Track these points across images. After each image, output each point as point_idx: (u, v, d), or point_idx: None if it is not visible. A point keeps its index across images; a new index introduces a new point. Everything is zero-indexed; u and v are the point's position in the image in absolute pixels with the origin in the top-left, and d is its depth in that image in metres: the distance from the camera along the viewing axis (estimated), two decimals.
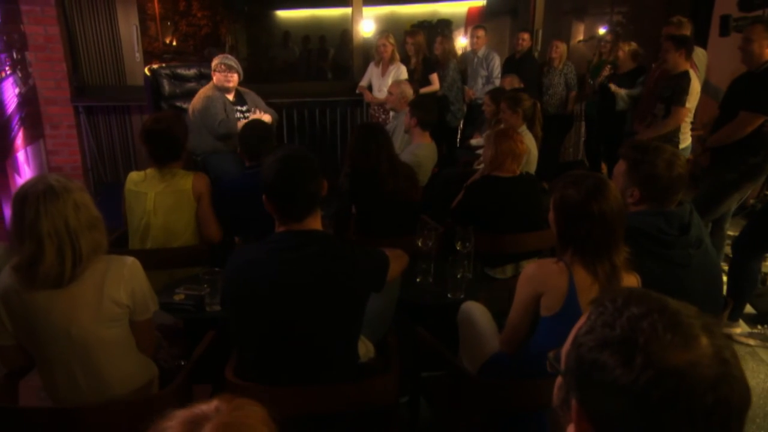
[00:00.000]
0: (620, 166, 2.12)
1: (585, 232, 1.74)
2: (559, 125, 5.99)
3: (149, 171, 2.76)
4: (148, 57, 9.61)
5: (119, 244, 2.84)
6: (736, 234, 4.83)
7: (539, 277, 1.82)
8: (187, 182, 2.73)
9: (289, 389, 1.77)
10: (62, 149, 5.23)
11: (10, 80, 4.52)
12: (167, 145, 2.74)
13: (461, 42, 7.90)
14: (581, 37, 9.12)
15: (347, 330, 1.85)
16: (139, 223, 2.73)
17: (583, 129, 6.54)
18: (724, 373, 0.73)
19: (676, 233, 2.00)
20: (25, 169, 4.64)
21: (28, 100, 4.87)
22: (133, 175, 2.78)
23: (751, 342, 3.28)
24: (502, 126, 3.95)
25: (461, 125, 5.98)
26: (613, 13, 9.75)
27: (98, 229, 1.77)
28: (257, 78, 9.62)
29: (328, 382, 1.80)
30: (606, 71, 5.47)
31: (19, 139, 4.57)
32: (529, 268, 1.86)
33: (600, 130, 5.64)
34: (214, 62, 4.41)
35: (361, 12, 5.90)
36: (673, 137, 4.04)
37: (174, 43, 11.83)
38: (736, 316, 3.37)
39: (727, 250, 4.29)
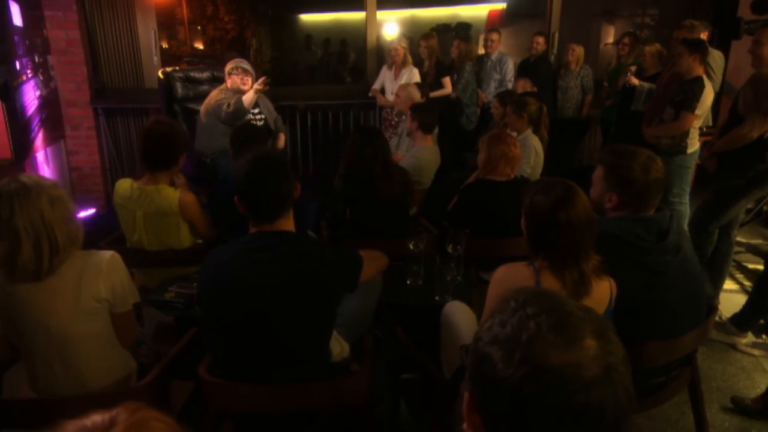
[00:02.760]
0: (598, 171, 2.10)
1: (553, 238, 1.75)
2: (575, 129, 5.93)
3: (135, 187, 2.68)
4: (176, 60, 9.82)
5: (118, 243, 2.92)
6: (747, 241, 4.75)
7: (507, 281, 1.83)
8: (172, 201, 2.65)
9: (259, 387, 1.80)
10: (82, 150, 5.39)
11: (32, 83, 4.68)
12: (163, 149, 2.68)
13: None
14: (611, 40, 9.02)
15: (318, 330, 1.87)
16: (131, 236, 2.76)
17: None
18: (603, 377, 0.75)
19: (653, 239, 1.98)
20: (45, 169, 4.79)
21: (49, 102, 5.03)
22: (119, 188, 2.72)
23: (755, 352, 3.20)
24: (507, 129, 3.93)
25: (475, 128, 5.96)
26: (644, 15, 9.63)
27: (74, 222, 1.82)
28: (280, 80, 9.76)
29: (298, 381, 1.83)
30: (630, 71, 5.31)
31: (39, 140, 4.73)
32: (499, 271, 1.87)
33: (619, 133, 5.53)
34: (229, 66, 4.45)
35: (375, 16, 5.95)
36: (681, 142, 3.97)
37: (202, 47, 12.07)
38: (747, 326, 3.29)
39: (736, 257, 4.21)
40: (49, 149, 4.95)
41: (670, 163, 4.09)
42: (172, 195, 2.66)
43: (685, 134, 3.94)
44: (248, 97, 4.28)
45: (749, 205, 4.47)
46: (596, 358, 0.76)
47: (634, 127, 4.74)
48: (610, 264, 1.86)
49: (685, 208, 4.16)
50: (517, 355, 0.76)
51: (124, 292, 1.91)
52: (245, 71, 4.42)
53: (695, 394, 2.31)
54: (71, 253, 1.80)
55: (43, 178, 1.81)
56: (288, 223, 1.89)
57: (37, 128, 4.70)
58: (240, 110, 4.22)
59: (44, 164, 4.81)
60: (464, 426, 0.85)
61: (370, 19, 5.94)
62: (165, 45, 11.58)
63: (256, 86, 4.31)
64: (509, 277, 1.83)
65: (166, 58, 9.89)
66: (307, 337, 1.84)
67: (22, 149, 4.31)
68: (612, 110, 5.64)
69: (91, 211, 5.10)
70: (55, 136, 5.13)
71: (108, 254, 1.89)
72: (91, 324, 1.85)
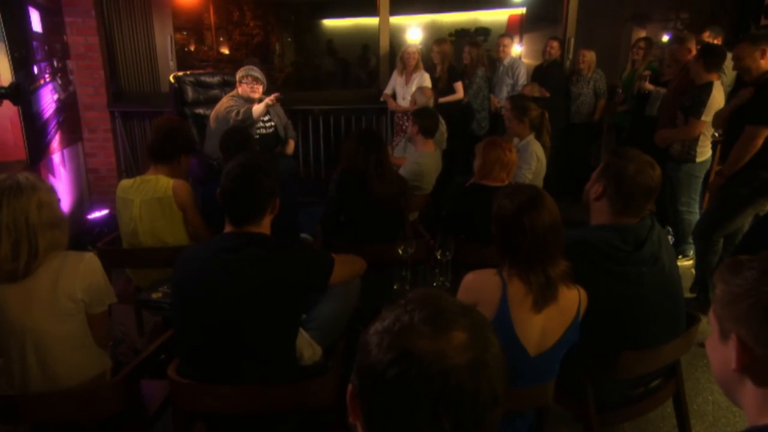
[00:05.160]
0: (600, 166, 2.08)
1: (517, 242, 1.74)
2: (587, 134, 5.86)
3: (138, 179, 2.82)
4: (200, 64, 10.01)
5: (115, 245, 2.99)
6: None
7: (474, 287, 1.82)
8: (167, 186, 2.76)
9: (224, 387, 1.82)
10: (99, 152, 5.51)
11: (50, 87, 4.81)
12: (164, 140, 2.82)
13: (516, 50, 7.75)
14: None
15: (283, 331, 1.88)
16: (126, 228, 2.82)
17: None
18: (465, 368, 0.77)
19: (629, 249, 1.94)
20: (61, 171, 4.92)
21: (67, 105, 5.16)
22: (122, 183, 2.84)
23: None
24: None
25: (485, 134, 5.93)
26: (676, 19, 9.46)
27: (60, 228, 1.86)
28: (301, 85, 9.88)
29: (263, 382, 1.84)
30: (645, 76, 5.17)
31: (56, 142, 4.86)
32: (468, 277, 1.86)
33: (632, 138, 5.41)
34: (240, 73, 4.49)
35: (387, 22, 5.97)
36: (690, 150, 3.90)
37: (228, 51, 12.30)
38: None
39: None
40: (66, 151, 5.07)
41: (678, 171, 4.02)
42: (168, 181, 2.78)
43: (695, 142, 3.87)
44: (258, 109, 4.32)
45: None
46: (462, 349, 0.78)
47: (646, 131, 4.66)
48: (585, 273, 1.84)
49: (693, 217, 4.07)
50: (386, 342, 0.79)
51: (100, 292, 1.94)
52: (255, 79, 4.45)
53: (680, 406, 2.27)
54: (51, 256, 1.84)
55: (40, 180, 1.86)
56: (259, 230, 1.92)
57: (53, 131, 4.83)
58: (248, 120, 4.27)
59: (61, 166, 4.93)
60: (350, 418, 0.87)
61: (383, 25, 5.97)
62: (192, 48, 11.85)
63: (267, 101, 4.34)
64: (476, 283, 1.82)
65: (193, 61, 10.13)
66: (272, 338, 1.85)
67: (38, 151, 4.43)
68: (626, 116, 5.55)
69: (104, 212, 5.22)
70: (72, 138, 5.26)
71: (86, 256, 1.92)
72: (67, 324, 1.88)
